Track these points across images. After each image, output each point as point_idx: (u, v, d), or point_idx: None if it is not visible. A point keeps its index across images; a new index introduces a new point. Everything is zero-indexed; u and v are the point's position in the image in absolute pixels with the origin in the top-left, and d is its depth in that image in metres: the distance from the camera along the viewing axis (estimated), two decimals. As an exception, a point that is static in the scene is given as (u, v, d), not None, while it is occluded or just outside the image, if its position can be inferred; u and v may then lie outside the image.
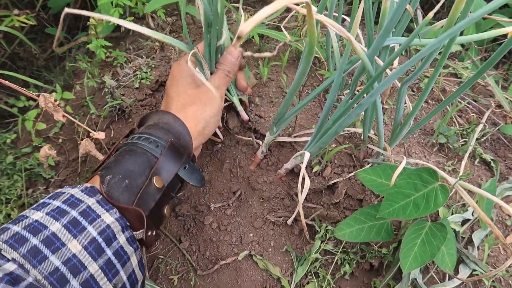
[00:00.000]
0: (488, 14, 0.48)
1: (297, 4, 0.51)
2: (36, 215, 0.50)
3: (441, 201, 0.53)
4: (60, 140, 1.20)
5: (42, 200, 0.54)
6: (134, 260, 0.57)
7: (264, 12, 0.33)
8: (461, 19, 0.50)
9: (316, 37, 0.48)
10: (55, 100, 0.71)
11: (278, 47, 0.54)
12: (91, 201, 0.53)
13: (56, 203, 0.52)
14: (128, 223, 0.56)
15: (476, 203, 0.62)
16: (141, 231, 0.58)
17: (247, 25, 0.32)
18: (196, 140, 0.73)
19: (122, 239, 0.55)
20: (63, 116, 0.78)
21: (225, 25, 0.78)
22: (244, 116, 0.93)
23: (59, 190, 0.56)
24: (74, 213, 0.51)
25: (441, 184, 0.55)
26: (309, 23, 0.42)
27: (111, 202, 0.55)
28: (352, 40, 0.49)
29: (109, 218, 0.53)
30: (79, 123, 0.79)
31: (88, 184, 0.57)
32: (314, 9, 0.40)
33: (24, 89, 0.72)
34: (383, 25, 0.59)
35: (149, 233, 0.59)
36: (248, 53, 0.39)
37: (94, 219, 0.52)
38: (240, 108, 0.91)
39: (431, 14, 0.47)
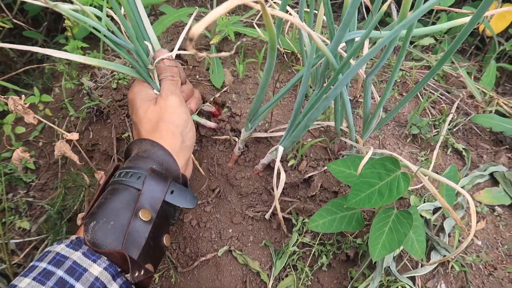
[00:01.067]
0: (458, 8, 0.50)
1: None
2: (24, 283, 0.48)
3: (403, 189, 0.54)
4: (41, 143, 1.20)
5: (31, 264, 0.52)
6: None
7: (216, 13, 0.33)
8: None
9: (276, 33, 0.49)
10: (25, 103, 0.71)
11: (236, 45, 0.54)
12: (77, 255, 0.51)
13: (43, 264, 0.50)
14: (119, 269, 0.54)
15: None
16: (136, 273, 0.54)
17: (198, 27, 0.31)
18: (180, 156, 0.70)
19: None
20: (34, 118, 0.78)
21: (148, 27, 0.77)
22: (211, 125, 0.94)
23: (47, 249, 0.54)
24: (60, 272, 0.49)
25: (403, 172, 0.56)
26: (266, 21, 0.43)
27: (95, 250, 0.53)
28: (312, 34, 0.50)
29: (97, 269, 0.51)
30: (52, 125, 0.79)
31: (74, 237, 0.55)
32: (269, 8, 0.41)
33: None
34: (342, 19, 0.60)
35: (136, 274, 0.54)
36: (203, 54, 0.38)
37: (81, 274, 0.49)
38: (202, 121, 0.93)
39: (385, 7, 0.48)
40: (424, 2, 0.51)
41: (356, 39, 0.66)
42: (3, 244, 0.99)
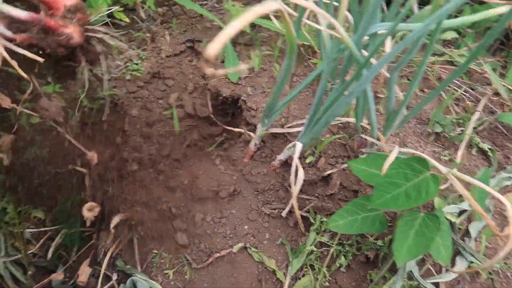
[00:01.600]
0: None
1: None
2: None
3: (433, 191, 0.51)
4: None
5: None
6: None
7: (230, 30, 0.31)
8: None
9: (296, 29, 0.46)
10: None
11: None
12: None
13: None
14: None
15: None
16: None
17: (214, 47, 0.30)
18: None
19: None
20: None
21: None
22: (21, 15, 0.58)
23: None
24: None
25: (433, 174, 0.53)
26: (287, 27, 0.40)
27: None
28: (337, 25, 0.47)
29: None
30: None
31: None
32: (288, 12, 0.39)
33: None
34: (368, 9, 0.57)
35: None
36: (211, 70, 0.33)
37: None
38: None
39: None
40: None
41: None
42: (18, 233, 0.99)
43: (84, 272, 0.84)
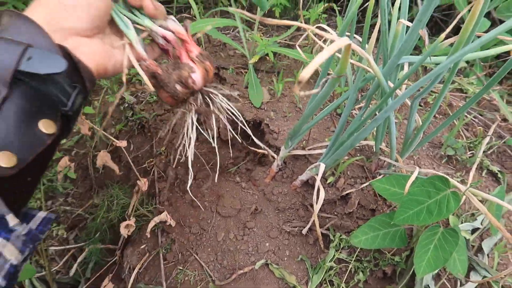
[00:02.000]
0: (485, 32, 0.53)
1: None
2: None
3: (453, 207, 0.57)
4: (73, 153, 1.24)
5: None
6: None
7: (322, 57, 0.36)
8: (470, 39, 0.55)
9: (347, 66, 0.51)
10: (83, 114, 0.75)
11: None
12: None
13: None
14: None
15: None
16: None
17: (307, 71, 0.33)
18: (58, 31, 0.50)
19: None
20: (89, 130, 0.83)
21: None
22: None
23: None
24: None
25: (453, 191, 0.59)
26: (345, 58, 0.46)
27: None
28: (371, 60, 0.53)
29: None
30: (105, 133, 0.83)
31: None
32: (353, 47, 0.45)
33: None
34: (395, 45, 0.63)
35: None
36: (302, 94, 0.35)
37: None
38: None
39: (443, 36, 0.51)
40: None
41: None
42: (42, 250, 1.03)
43: (107, 288, 0.88)
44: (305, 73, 0.32)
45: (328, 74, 0.68)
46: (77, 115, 0.52)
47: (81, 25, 0.52)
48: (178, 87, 0.57)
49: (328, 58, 0.58)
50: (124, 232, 0.84)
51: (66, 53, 0.49)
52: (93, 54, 0.53)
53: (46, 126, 0.46)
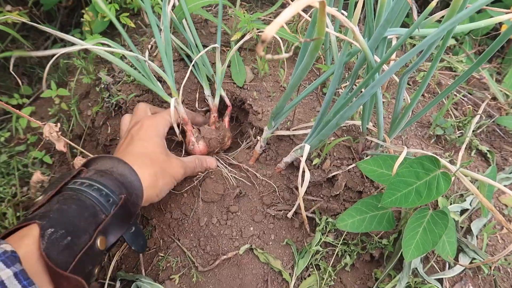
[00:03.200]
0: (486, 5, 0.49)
1: None
2: None
3: (444, 188, 0.54)
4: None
5: None
6: None
7: (287, 14, 0.32)
8: (458, 11, 0.51)
9: (324, 32, 0.48)
10: (59, 130, 0.71)
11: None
12: (6, 274, 0.41)
13: None
14: None
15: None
16: None
17: (271, 29, 0.30)
18: (144, 203, 0.67)
19: None
20: (64, 146, 0.78)
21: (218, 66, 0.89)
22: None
23: None
24: None
25: (443, 172, 0.56)
26: (320, 20, 0.42)
27: (48, 266, 0.46)
28: (356, 31, 0.49)
29: None
30: (77, 146, 0.78)
31: (8, 247, 0.45)
32: (328, 9, 0.40)
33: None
34: (382, 16, 0.59)
35: None
36: (269, 56, 0.34)
37: None
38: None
39: (433, 3, 0.48)
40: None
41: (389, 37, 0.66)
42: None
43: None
44: (268, 31, 0.28)
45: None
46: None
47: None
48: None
49: (311, 28, 0.54)
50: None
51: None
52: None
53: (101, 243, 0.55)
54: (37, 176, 0.88)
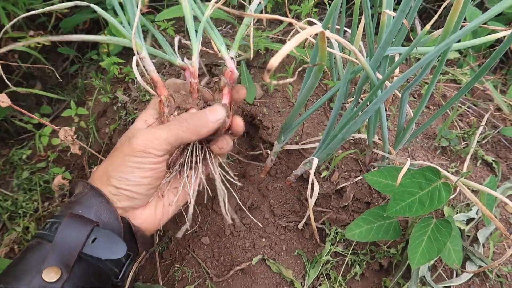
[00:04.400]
0: (484, 24, 0.52)
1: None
2: None
3: (445, 198, 0.57)
4: (69, 153, 1.24)
5: None
6: None
7: (289, 46, 0.36)
8: (456, 29, 0.55)
9: (326, 55, 0.52)
10: (74, 134, 0.75)
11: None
12: None
13: None
14: None
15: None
16: None
17: (276, 60, 0.33)
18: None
19: None
20: (79, 149, 0.83)
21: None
22: None
23: None
24: None
25: (444, 182, 0.58)
26: (321, 47, 0.45)
27: None
28: (357, 52, 0.53)
29: None
30: (89, 149, 0.83)
31: None
32: (327, 34, 0.44)
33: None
34: (383, 37, 0.63)
35: None
36: (274, 82, 0.35)
37: None
38: None
39: (428, 26, 0.51)
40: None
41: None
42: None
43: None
44: (274, 61, 0.32)
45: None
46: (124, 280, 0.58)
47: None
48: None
49: (315, 50, 0.58)
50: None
51: (126, 224, 0.55)
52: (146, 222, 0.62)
53: None
54: (58, 179, 0.93)
